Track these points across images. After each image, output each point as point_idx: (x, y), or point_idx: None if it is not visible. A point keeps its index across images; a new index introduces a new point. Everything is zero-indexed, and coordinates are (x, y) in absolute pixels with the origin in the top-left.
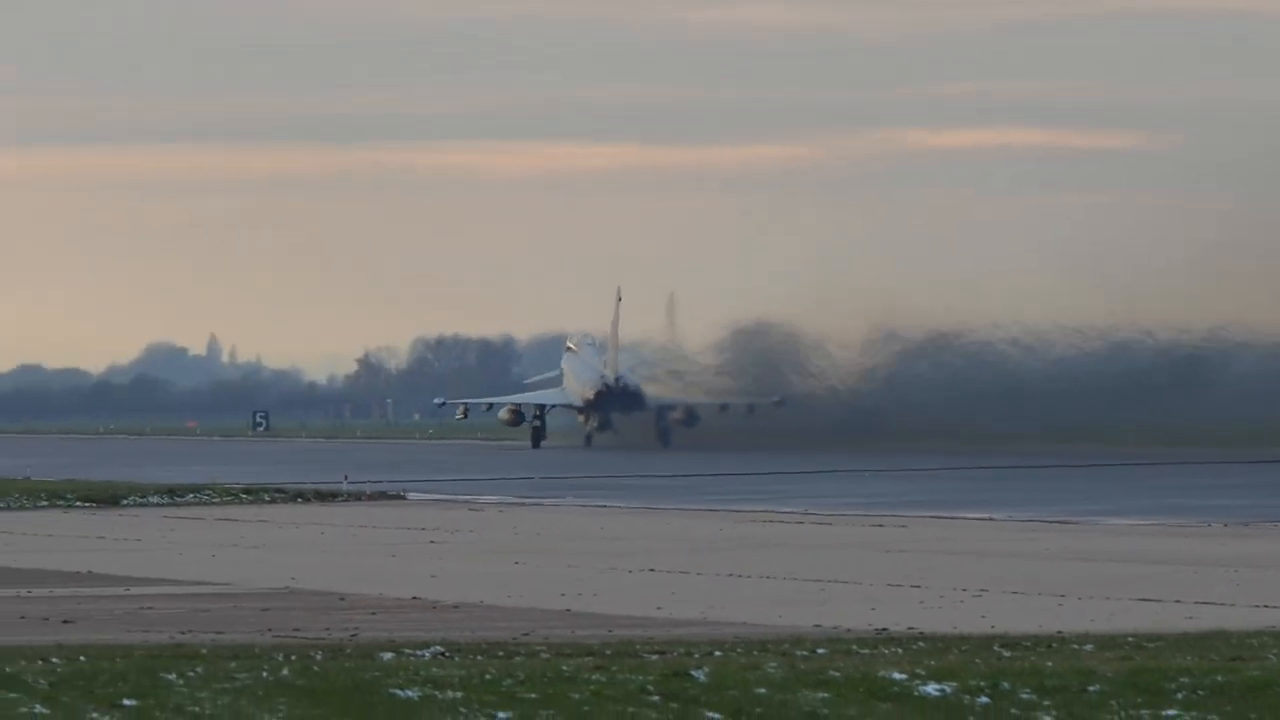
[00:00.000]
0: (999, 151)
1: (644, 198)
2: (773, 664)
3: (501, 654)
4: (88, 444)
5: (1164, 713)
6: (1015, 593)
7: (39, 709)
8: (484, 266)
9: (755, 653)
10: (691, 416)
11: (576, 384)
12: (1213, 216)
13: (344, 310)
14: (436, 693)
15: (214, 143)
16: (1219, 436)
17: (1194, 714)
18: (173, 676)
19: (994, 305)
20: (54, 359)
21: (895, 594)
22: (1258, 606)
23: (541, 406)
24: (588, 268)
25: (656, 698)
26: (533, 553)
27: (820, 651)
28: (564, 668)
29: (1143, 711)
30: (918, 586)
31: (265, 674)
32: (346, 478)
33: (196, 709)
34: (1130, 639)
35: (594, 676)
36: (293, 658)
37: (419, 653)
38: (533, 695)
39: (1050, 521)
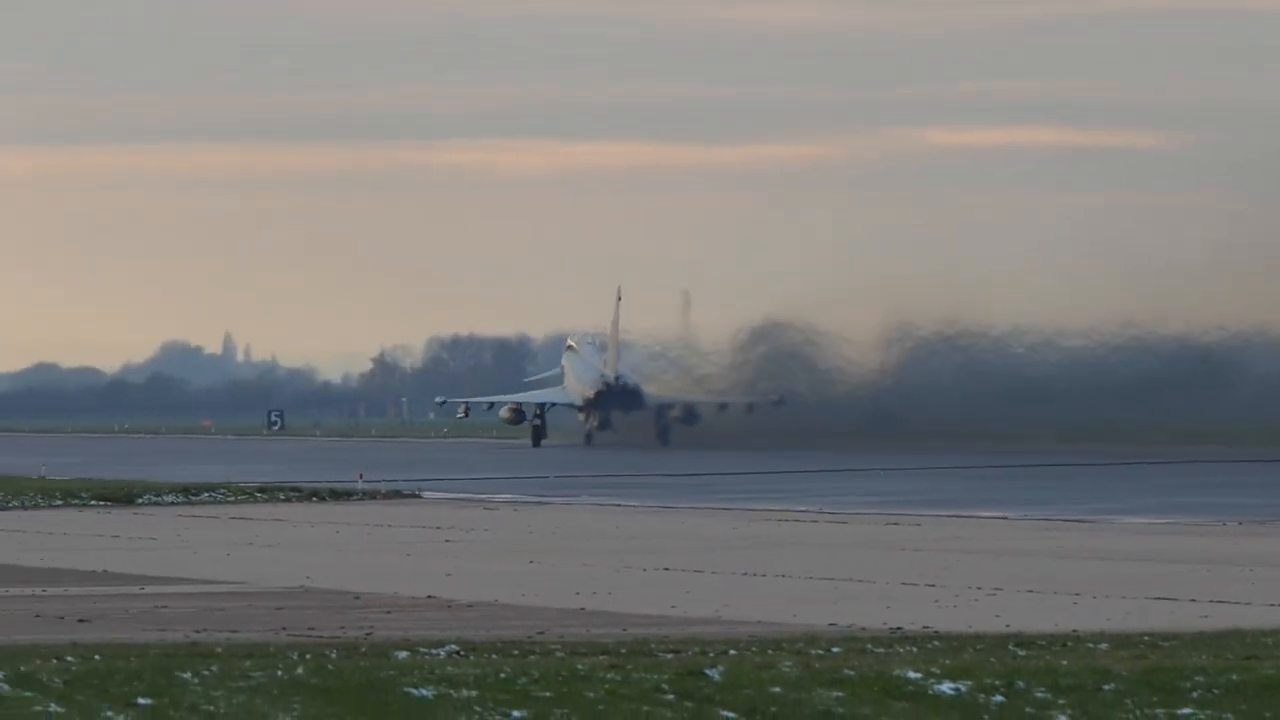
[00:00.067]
0: (1015, 150)
1: (658, 196)
2: (787, 663)
3: (516, 653)
4: (102, 443)
5: (1179, 711)
6: (1030, 591)
7: (54, 708)
8: (499, 266)
9: (770, 651)
10: (691, 415)
11: (577, 383)
12: (1229, 215)
13: (359, 309)
14: (451, 691)
15: (229, 142)
16: (1235, 435)
17: (1209, 713)
18: (188, 675)
19: (1009, 304)
20: (69, 358)
21: (910, 593)
22: (1273, 605)
23: (542, 405)
24: (602, 266)
25: (671, 696)
26: (547, 552)
27: (835, 650)
28: (579, 666)
29: (1158, 710)
30: (932, 585)
31: (280, 673)
32: (361, 476)
33: (211, 708)
34: (1145, 638)
35: (609, 675)
36: (307, 656)
37: (434, 651)
38: (547, 694)
39: (1065, 520)
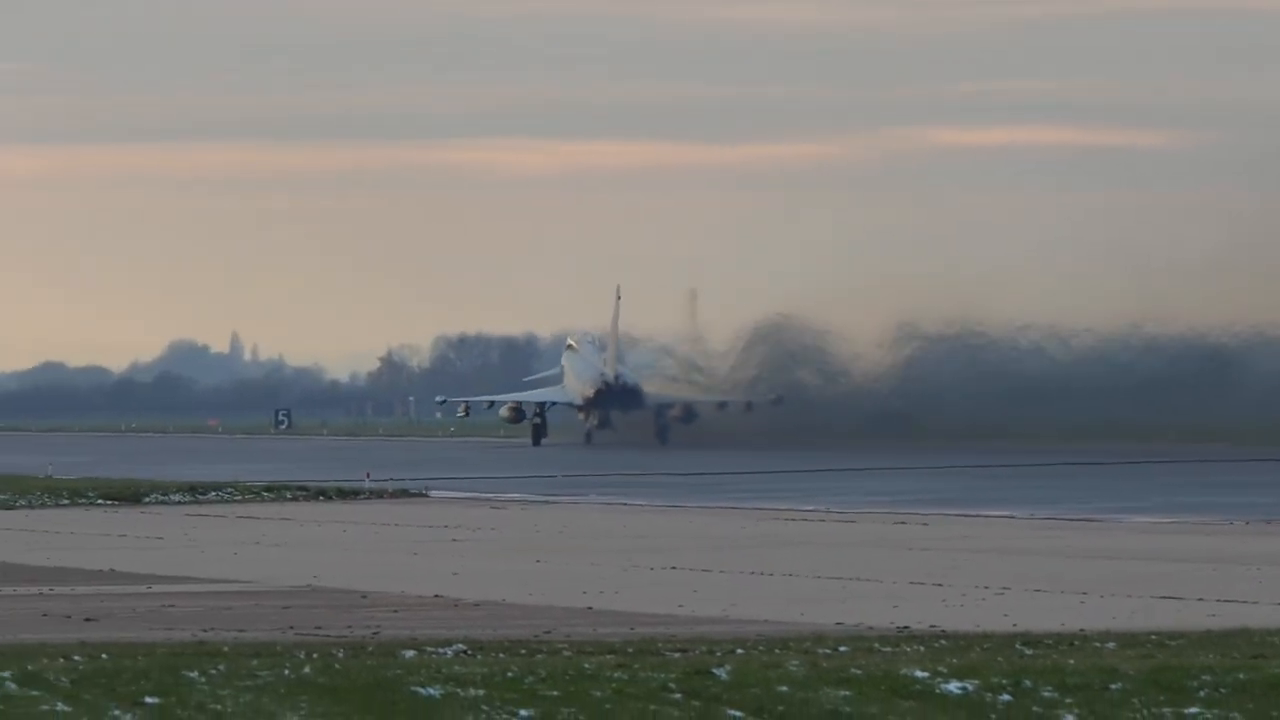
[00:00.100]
0: (1018, 149)
1: (665, 195)
2: (795, 662)
3: (523, 652)
4: (110, 442)
5: (1186, 711)
6: (1037, 590)
7: (61, 707)
8: (506, 264)
9: (777, 651)
10: (690, 414)
11: (577, 382)
12: (1233, 214)
13: (366, 308)
14: (458, 691)
15: (235, 141)
16: (1241, 433)
17: (1216, 712)
18: (195, 674)
19: (1014, 303)
20: (76, 357)
21: (917, 592)
22: None
23: (542, 404)
24: (609, 266)
25: (678, 695)
26: (554, 551)
27: (842, 649)
28: (586, 666)
29: (1165, 709)
30: (940, 584)
31: (287, 672)
32: (368, 475)
33: (218, 707)
34: (1152, 637)
35: (616, 674)
36: (314, 656)
37: (441, 651)
38: (554, 693)
39: (1072, 519)
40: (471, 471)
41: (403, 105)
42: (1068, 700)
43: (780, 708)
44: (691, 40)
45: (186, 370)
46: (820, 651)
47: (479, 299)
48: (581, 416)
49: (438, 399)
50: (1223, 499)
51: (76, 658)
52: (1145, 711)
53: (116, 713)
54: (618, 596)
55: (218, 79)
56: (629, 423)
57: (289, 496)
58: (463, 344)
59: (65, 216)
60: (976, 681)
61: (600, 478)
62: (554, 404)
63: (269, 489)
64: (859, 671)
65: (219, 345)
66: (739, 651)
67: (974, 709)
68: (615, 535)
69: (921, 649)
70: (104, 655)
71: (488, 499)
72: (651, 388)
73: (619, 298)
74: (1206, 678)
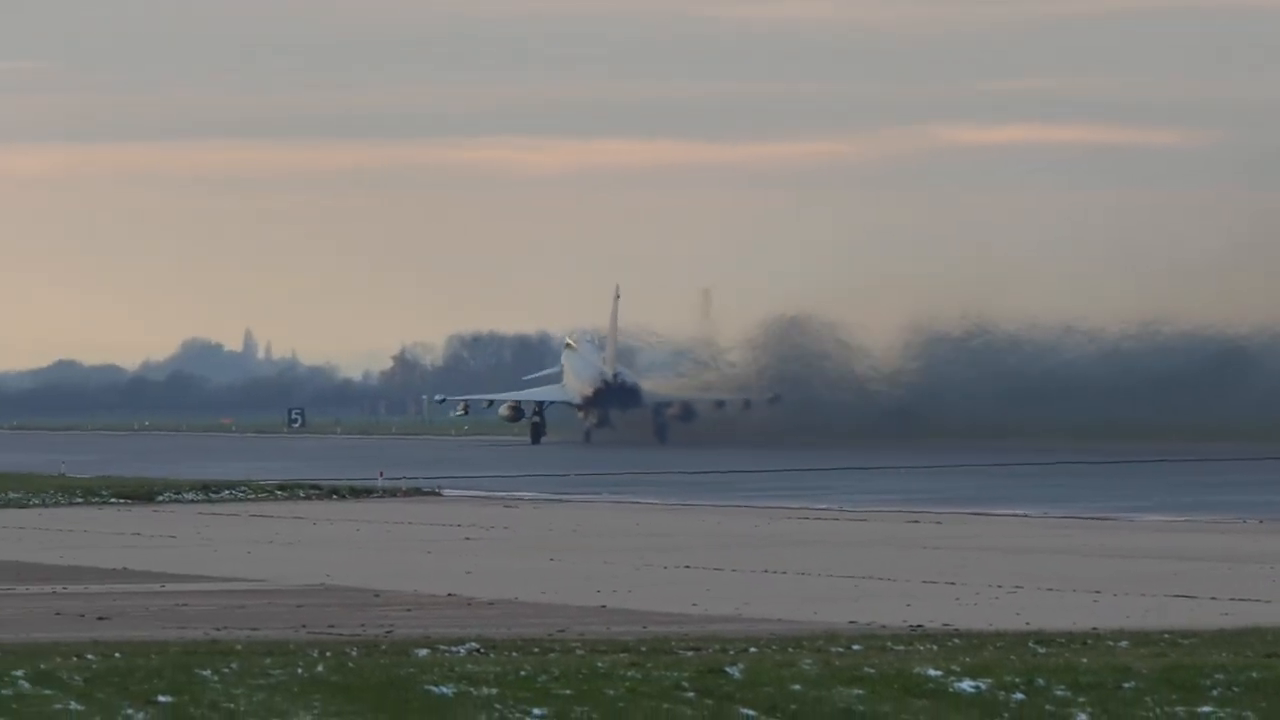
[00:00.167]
0: (1033, 148)
1: (678, 194)
2: (808, 661)
3: (536, 650)
4: (123, 440)
5: (1199, 709)
6: (1050, 589)
7: (74, 705)
8: (519, 263)
9: (790, 649)
10: (688, 412)
11: (576, 381)
12: (1245, 212)
13: (380, 307)
14: (471, 689)
15: (249, 139)
16: (1254, 431)
17: (1229, 710)
18: (208, 673)
19: (1029, 301)
20: (90, 355)
21: (930, 590)
22: None
23: (541, 403)
24: (623, 264)
25: (691, 694)
26: (568, 549)
27: (855, 648)
28: (599, 664)
29: (1178, 708)
30: (953, 583)
31: (300, 670)
32: (382, 474)
33: (231, 705)
34: (1165, 635)
35: (629, 673)
36: (328, 654)
37: (454, 649)
38: (568, 692)
39: (1085, 518)
40: (472, 471)
41: (415, 104)
42: (1081, 699)
43: (793, 706)
44: (700, 38)
45: (200, 369)
46: (833, 650)
47: (492, 298)
48: (581, 415)
49: (436, 397)
50: (1235, 497)
51: (89, 656)
52: (1158, 710)
53: (129, 711)
54: (631, 595)
55: (224, 78)
56: (628, 421)
57: (302, 495)
58: (476, 343)
59: (80, 216)
60: (989, 680)
61: (613, 476)
62: (553, 403)
63: (282, 487)
64: (872, 670)
65: (232, 344)
66: (752, 650)
67: (987, 708)
68: (628, 534)
69: (934, 647)
70: (117, 654)
71: (500, 498)
72: (650, 386)
73: (618, 297)
74: (1220, 676)
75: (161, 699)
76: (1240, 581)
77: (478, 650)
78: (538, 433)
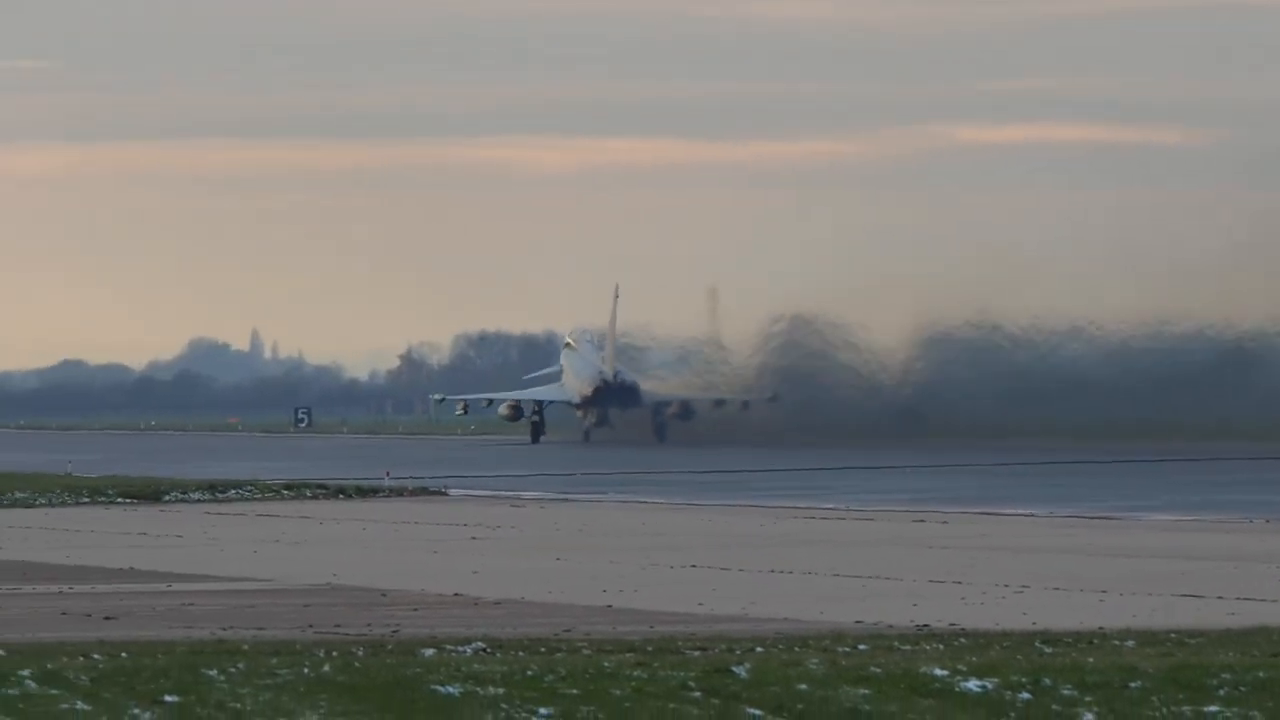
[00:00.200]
0: (1038, 147)
1: (684, 193)
2: (814, 660)
3: (543, 650)
4: (129, 440)
5: (1206, 709)
6: (1056, 589)
7: (80, 705)
8: (526, 262)
9: (796, 649)
10: (686, 411)
11: (575, 380)
12: (1253, 211)
13: (386, 306)
14: (478, 689)
15: (252, 139)
16: (1261, 431)
17: (1236, 710)
18: (214, 673)
19: (1033, 301)
20: (96, 355)
21: (937, 590)
22: None
23: (540, 403)
24: (629, 263)
25: (698, 694)
26: (574, 549)
27: (862, 648)
28: (605, 664)
29: (1184, 708)
30: (959, 583)
31: (307, 670)
32: (388, 474)
33: (238, 705)
34: (1172, 635)
35: (635, 673)
36: (334, 654)
37: (460, 649)
38: (574, 691)
39: (1091, 517)
40: (478, 470)
41: (421, 104)
42: (1087, 698)
43: (800, 706)
44: (713, 38)
45: (206, 368)
46: (840, 650)
47: (499, 297)
48: (580, 414)
49: (435, 396)
50: (1242, 497)
51: (96, 656)
52: (1165, 710)
53: (136, 711)
54: (637, 595)
55: (226, 78)
56: (627, 421)
57: (309, 495)
58: (483, 342)
59: (85, 215)
60: (996, 680)
61: (618, 476)
62: (552, 402)
63: (289, 487)
64: (878, 670)
65: (239, 343)
66: (758, 650)
67: (993, 707)
68: (634, 533)
69: (941, 647)
70: (123, 654)
71: (507, 497)
72: (651, 386)
73: (617, 296)
74: (1226, 676)
75: (168, 699)
76: (1247, 581)
77: (484, 650)
78: (537, 432)
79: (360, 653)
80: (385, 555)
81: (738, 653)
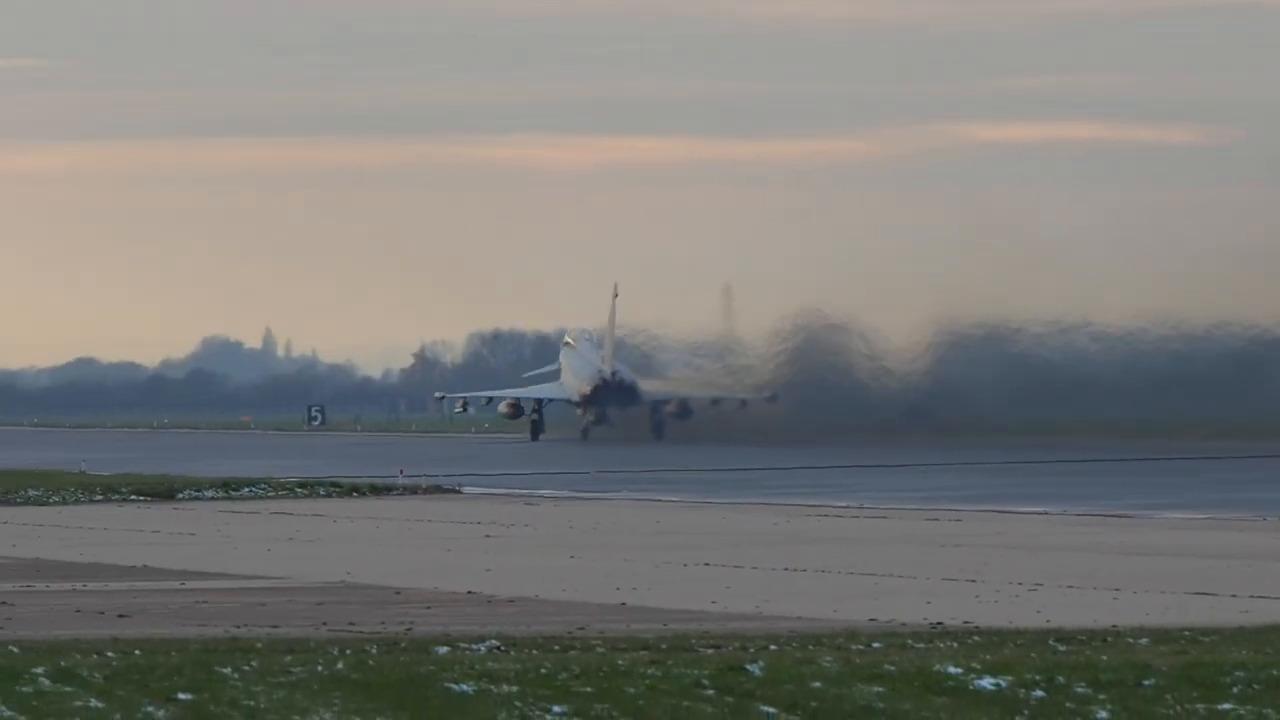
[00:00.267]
0: (1057, 145)
1: (699, 191)
2: (828, 658)
3: (557, 648)
4: (143, 438)
5: (1220, 706)
6: (1070, 587)
7: (94, 702)
8: (539, 260)
9: (810, 647)
10: (685, 410)
11: (574, 378)
12: (1265, 210)
13: (399, 304)
14: (492, 687)
15: (268, 137)
16: (1276, 430)
17: (1250, 708)
18: (228, 670)
19: (1050, 299)
20: (109, 353)
21: (950, 588)
22: None
23: (539, 401)
24: (643, 262)
25: (712, 692)
26: (588, 547)
27: (875, 645)
28: (619, 662)
29: (1198, 705)
30: (973, 580)
31: (320, 668)
32: (402, 472)
33: (252, 703)
34: (1186, 633)
35: (649, 671)
36: (348, 652)
37: (474, 647)
38: (588, 689)
39: (1105, 515)
40: (492, 468)
41: (433, 103)
42: (1101, 696)
43: (813, 704)
44: (724, 36)
45: (219, 366)
46: (853, 648)
47: (512, 295)
48: (579, 412)
49: (436, 395)
50: (1256, 495)
51: (109, 654)
52: (1178, 708)
53: (149, 709)
54: (651, 593)
55: (237, 76)
56: (625, 419)
57: (322, 493)
58: (496, 340)
59: (99, 214)
60: (1010, 678)
61: (634, 474)
62: (551, 400)
63: (302, 485)
64: (892, 668)
65: (252, 341)
66: (772, 648)
67: (1007, 705)
68: (647, 531)
69: (955, 645)
70: (137, 651)
71: (521, 495)
72: (652, 386)
73: (616, 295)
74: (1240, 674)
75: (182, 696)
76: (1260, 579)
77: (498, 648)
78: (536, 430)
79: (374, 651)
80: (399, 553)
81: (751, 651)
